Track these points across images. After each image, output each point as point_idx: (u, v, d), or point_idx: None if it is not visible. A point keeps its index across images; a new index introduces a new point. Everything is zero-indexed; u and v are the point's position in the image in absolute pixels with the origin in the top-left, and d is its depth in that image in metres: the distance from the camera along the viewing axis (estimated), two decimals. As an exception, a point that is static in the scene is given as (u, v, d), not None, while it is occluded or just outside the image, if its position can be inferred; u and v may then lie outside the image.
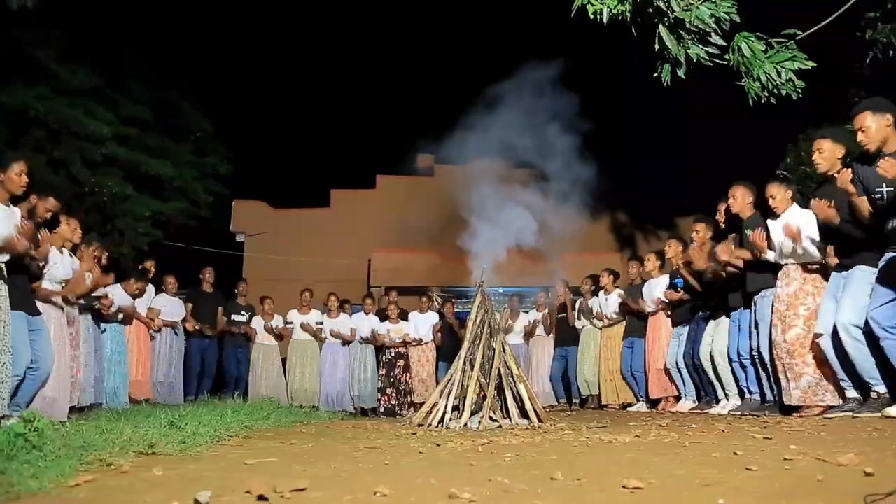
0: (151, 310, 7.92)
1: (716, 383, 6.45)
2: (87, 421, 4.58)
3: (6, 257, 4.27)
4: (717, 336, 6.34)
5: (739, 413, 5.75)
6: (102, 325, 6.66)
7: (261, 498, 2.02)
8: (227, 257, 13.52)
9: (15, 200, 4.57)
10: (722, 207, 6.44)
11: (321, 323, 9.31)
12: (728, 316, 6.19)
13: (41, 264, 4.93)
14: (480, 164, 15.36)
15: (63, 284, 5.40)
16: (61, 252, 5.45)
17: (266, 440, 4.32)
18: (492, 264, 7.26)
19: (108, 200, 11.45)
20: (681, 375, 7.11)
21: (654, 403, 7.74)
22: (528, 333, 9.72)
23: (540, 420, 6.04)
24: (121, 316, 6.98)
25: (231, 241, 14.38)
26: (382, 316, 9.57)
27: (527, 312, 10.16)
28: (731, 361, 6.08)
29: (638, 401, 8.05)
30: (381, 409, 9.03)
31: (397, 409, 9.06)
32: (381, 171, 15.31)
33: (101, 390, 6.39)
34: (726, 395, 6.34)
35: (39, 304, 4.86)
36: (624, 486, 2.11)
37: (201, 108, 14.27)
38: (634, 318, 8.11)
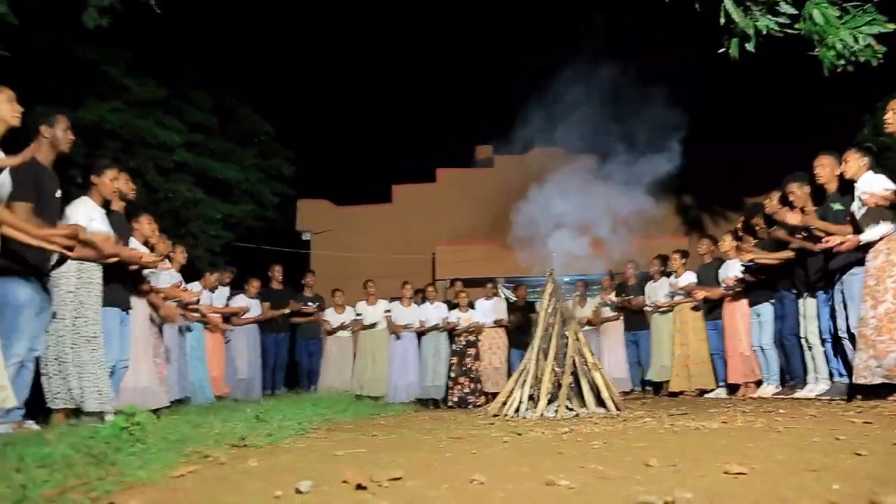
0: (232, 308, 8.17)
1: (809, 364, 6.16)
2: (178, 416, 4.77)
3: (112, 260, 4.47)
4: (808, 315, 6.06)
5: (829, 398, 5.50)
6: (186, 325, 6.92)
7: (359, 487, 2.05)
8: (295, 256, 13.83)
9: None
10: (792, 188, 6.16)
11: (389, 311, 9.41)
12: (814, 295, 5.91)
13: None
14: (541, 153, 15.24)
15: (147, 282, 5.64)
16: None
17: (347, 432, 4.39)
18: (559, 252, 7.19)
19: (181, 205, 11.89)
20: (765, 357, 6.87)
21: (731, 390, 7.51)
22: (593, 320, 9.57)
23: (617, 408, 5.94)
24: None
25: (297, 239, 14.69)
26: (450, 306, 9.62)
27: (593, 298, 10.02)
28: (823, 342, 5.80)
29: (717, 386, 7.81)
30: (455, 399, 9.07)
31: (469, 397, 9.09)
32: (440, 164, 15.34)
33: (186, 386, 6.64)
34: (816, 377, 6.07)
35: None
36: (726, 472, 2.05)
37: (262, 113, 14.65)
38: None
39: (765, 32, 5.25)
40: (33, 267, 3.89)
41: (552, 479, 2.01)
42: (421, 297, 9.66)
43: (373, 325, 9.31)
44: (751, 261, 6.49)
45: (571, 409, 6.01)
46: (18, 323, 3.76)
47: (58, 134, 4.12)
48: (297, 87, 20.01)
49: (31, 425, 3.94)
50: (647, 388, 9.20)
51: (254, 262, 10.74)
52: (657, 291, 8.84)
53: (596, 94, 7.10)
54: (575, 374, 6.30)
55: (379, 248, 13.95)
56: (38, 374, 4.21)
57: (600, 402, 6.08)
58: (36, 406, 4.25)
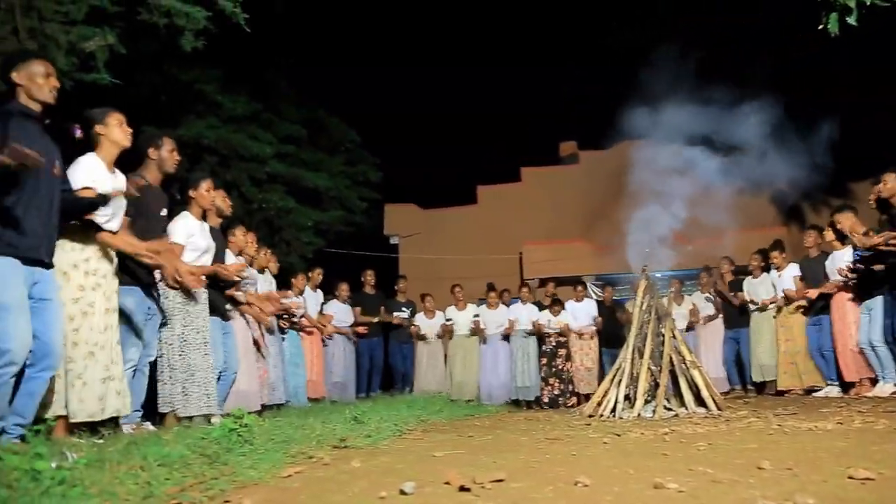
0: (324, 315, 8.41)
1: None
2: (280, 418, 4.95)
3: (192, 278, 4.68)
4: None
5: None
6: (283, 330, 7.18)
7: (462, 489, 2.05)
8: (384, 260, 14.07)
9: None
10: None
11: (477, 316, 9.43)
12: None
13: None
14: (628, 146, 14.88)
15: (244, 291, 5.89)
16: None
17: (443, 433, 4.43)
18: (651, 248, 6.99)
19: (275, 214, 12.37)
20: (876, 355, 6.43)
21: (844, 387, 7.07)
22: (692, 317, 9.24)
23: (719, 408, 5.72)
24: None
25: (386, 244, 14.94)
26: (540, 307, 9.54)
27: (689, 295, 9.68)
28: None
29: (826, 384, 7.37)
30: (545, 400, 8.99)
31: (560, 398, 8.98)
32: (524, 163, 15.24)
33: (286, 390, 6.88)
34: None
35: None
36: (850, 477, 1.93)
37: (347, 122, 15.02)
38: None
39: (868, 3, 4.93)
40: (143, 280, 4.13)
41: (660, 481, 1.96)
42: (507, 296, 9.63)
43: (465, 333, 9.38)
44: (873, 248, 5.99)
45: (670, 409, 5.84)
46: (128, 330, 4.00)
47: (164, 155, 4.36)
48: (381, 95, 20.36)
49: (149, 426, 4.18)
50: (750, 387, 8.80)
51: (344, 268, 11.01)
52: (758, 288, 8.44)
53: (684, 83, 6.87)
54: (672, 372, 6.11)
55: (466, 250, 13.99)
56: (153, 379, 4.47)
57: (700, 401, 5.87)
58: (151, 408, 4.52)
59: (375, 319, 9.28)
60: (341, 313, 8.79)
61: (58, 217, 3.29)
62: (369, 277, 9.62)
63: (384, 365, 9.71)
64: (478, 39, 22.07)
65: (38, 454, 2.21)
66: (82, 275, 3.58)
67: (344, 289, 8.99)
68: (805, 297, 7.52)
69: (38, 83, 3.16)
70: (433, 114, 20.58)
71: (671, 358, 6.13)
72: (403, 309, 9.60)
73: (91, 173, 3.61)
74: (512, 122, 20.15)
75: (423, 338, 9.47)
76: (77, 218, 3.53)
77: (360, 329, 8.98)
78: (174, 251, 4.36)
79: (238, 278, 5.30)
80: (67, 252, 3.54)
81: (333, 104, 15.00)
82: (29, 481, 2.06)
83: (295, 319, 7.46)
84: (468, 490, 2.03)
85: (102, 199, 3.44)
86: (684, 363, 6.15)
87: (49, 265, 3.22)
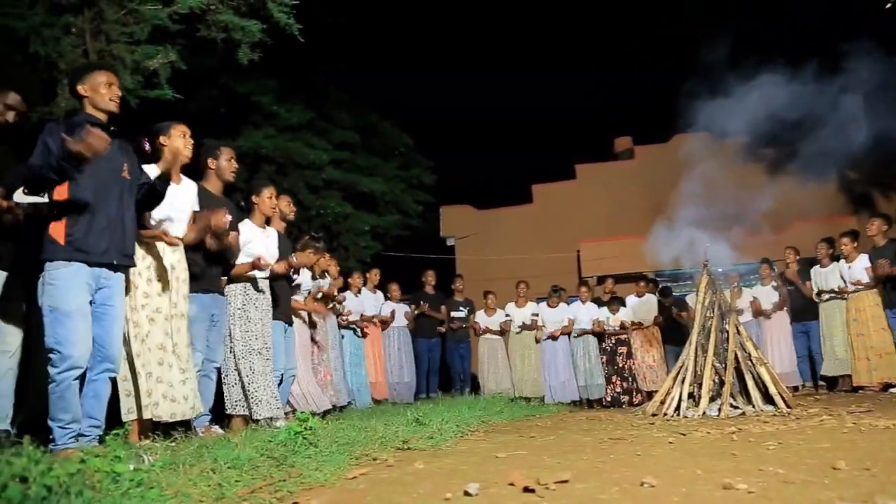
0: (382, 317, 8.51)
1: None
2: (343, 420, 5.03)
3: (266, 273, 4.80)
4: None
5: None
6: (341, 332, 7.30)
7: (526, 490, 2.05)
8: (441, 262, 14.14)
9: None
10: None
11: (536, 315, 9.36)
12: None
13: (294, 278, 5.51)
14: (685, 139, 14.55)
15: (305, 296, 6.01)
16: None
17: (505, 434, 4.42)
18: (712, 242, 6.81)
19: (332, 220, 12.61)
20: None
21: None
22: (756, 312, 8.95)
23: (788, 405, 5.54)
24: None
25: (442, 245, 15.01)
26: (600, 304, 9.42)
27: (751, 288, 9.38)
28: None
29: (904, 380, 7.04)
30: (608, 399, 8.86)
31: (622, 397, 8.84)
32: (579, 160, 15.09)
33: (348, 391, 6.99)
34: None
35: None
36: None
37: (401, 126, 15.17)
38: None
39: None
40: (207, 287, 4.25)
41: (729, 482, 1.91)
42: (567, 295, 9.53)
43: (519, 329, 9.31)
44: None
45: (736, 407, 5.68)
46: (196, 337, 4.13)
47: (222, 164, 4.49)
48: (433, 98, 20.50)
49: (217, 429, 4.31)
50: (821, 383, 8.47)
51: (402, 270, 11.12)
52: (827, 278, 8.11)
53: (744, 73, 6.68)
54: (738, 369, 5.95)
55: (522, 249, 13.93)
56: (219, 383, 4.61)
57: (768, 398, 5.70)
58: (219, 411, 4.66)
59: (439, 316, 9.36)
60: (397, 311, 8.87)
61: (133, 218, 3.42)
62: (430, 278, 9.71)
63: (441, 365, 9.75)
64: (527, 41, 21.96)
65: (117, 457, 2.31)
66: (146, 282, 3.72)
67: (395, 289, 9.07)
68: (890, 273, 7.12)
69: (100, 93, 3.30)
70: (486, 115, 20.61)
71: (736, 354, 5.97)
72: (461, 308, 9.63)
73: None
74: (565, 120, 19.99)
75: (484, 333, 9.47)
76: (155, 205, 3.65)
77: (423, 309, 9.07)
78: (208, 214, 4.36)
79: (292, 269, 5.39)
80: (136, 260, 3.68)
81: (385, 109, 15.18)
82: (110, 483, 2.16)
83: (352, 318, 7.56)
84: (532, 491, 2.03)
85: (165, 178, 3.53)
86: (750, 359, 5.97)
87: (118, 268, 3.32)
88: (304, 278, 5.90)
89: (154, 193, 3.52)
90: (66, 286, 3.07)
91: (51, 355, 3.01)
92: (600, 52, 20.07)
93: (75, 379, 3.05)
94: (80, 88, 3.30)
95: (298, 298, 5.73)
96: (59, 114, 5.51)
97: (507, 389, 8.91)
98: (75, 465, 2.17)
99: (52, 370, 3.00)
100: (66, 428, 3.01)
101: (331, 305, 6.84)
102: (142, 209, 3.56)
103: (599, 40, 20.83)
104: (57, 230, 3.09)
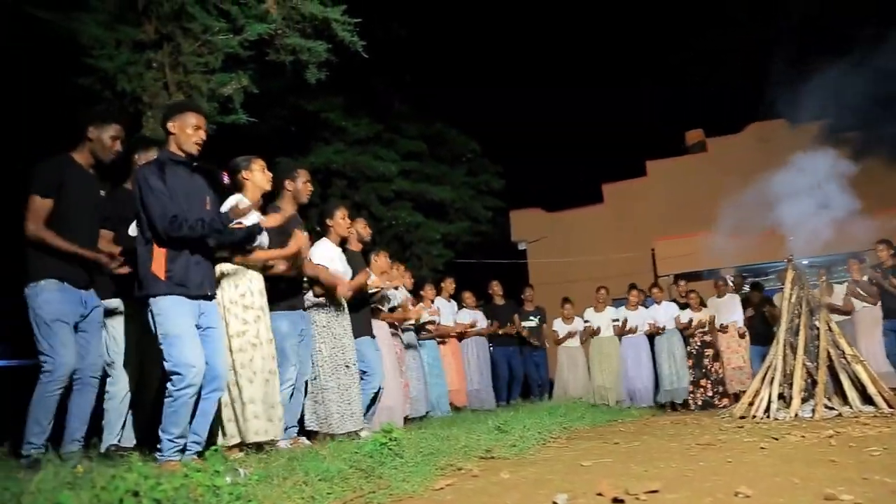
0: (459, 324, 8.55)
1: None
2: (425, 429, 5.09)
3: (350, 293, 4.92)
4: None
5: None
6: (421, 342, 7.37)
7: (616, 501, 2.03)
8: (513, 266, 14.10)
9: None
10: None
11: (616, 320, 9.19)
12: None
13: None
14: (760, 128, 14.05)
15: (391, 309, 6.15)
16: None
17: (588, 440, 4.37)
18: (797, 235, 6.54)
19: (404, 230, 12.78)
20: None
21: None
22: (845, 309, 8.51)
23: (890, 405, 5.25)
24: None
25: (513, 250, 14.97)
26: (680, 305, 9.15)
27: (840, 284, 8.93)
28: None
29: None
30: (698, 403, 8.59)
31: (713, 400, 8.55)
32: (649, 156, 14.77)
33: (426, 401, 7.05)
34: None
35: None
36: None
37: (467, 132, 15.23)
38: None
39: None
40: (292, 305, 4.40)
41: (831, 492, 1.84)
42: (642, 297, 9.32)
43: (596, 332, 9.16)
44: None
45: (832, 409, 5.43)
46: (284, 352, 4.28)
47: (299, 187, 4.64)
48: (498, 103, 20.46)
49: (304, 441, 4.44)
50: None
51: (474, 277, 11.13)
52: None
53: (823, 55, 6.40)
54: (831, 368, 5.69)
55: (595, 250, 13.74)
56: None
57: (867, 399, 5.42)
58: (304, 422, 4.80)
59: (513, 332, 9.30)
60: (473, 318, 8.89)
61: (212, 250, 3.60)
62: (496, 288, 9.63)
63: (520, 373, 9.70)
64: (591, 39, 21.67)
65: (216, 471, 2.42)
66: (241, 309, 3.88)
67: (468, 296, 9.08)
68: None
69: (187, 133, 3.48)
70: (552, 116, 20.45)
71: (828, 352, 5.71)
72: (531, 318, 9.57)
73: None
74: (633, 118, 19.61)
75: (562, 341, 9.37)
76: (237, 247, 3.83)
77: (494, 329, 9.06)
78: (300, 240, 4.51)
79: (379, 289, 5.53)
80: (225, 290, 3.85)
81: (451, 117, 15.28)
82: (211, 496, 2.26)
83: (430, 327, 7.64)
84: (622, 502, 2.00)
85: (257, 229, 3.70)
86: (844, 358, 5.71)
87: (212, 297, 3.53)
88: (393, 292, 6.05)
89: (251, 240, 3.73)
90: (174, 313, 3.27)
91: (172, 377, 3.21)
92: (668, 44, 19.60)
93: (191, 397, 3.23)
94: (170, 126, 3.49)
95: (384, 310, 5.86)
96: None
97: (588, 396, 8.78)
98: (180, 480, 2.29)
99: (171, 388, 3.20)
100: (174, 441, 3.19)
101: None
102: (234, 245, 3.76)
103: (667, 33, 20.36)
104: (158, 267, 3.28)
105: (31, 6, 5.72)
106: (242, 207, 3.50)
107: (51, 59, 6.22)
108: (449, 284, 8.68)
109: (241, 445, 3.77)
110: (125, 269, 3.74)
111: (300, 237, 4.22)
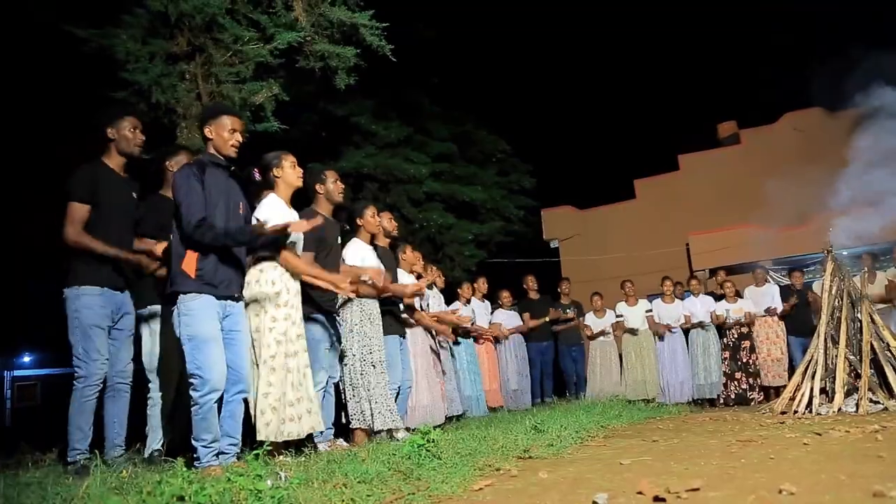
0: (494, 325, 8.55)
1: None
2: (462, 430, 5.09)
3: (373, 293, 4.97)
4: None
5: None
6: (458, 340, 7.38)
7: (657, 500, 2.01)
8: (546, 265, 14.02)
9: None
10: None
11: (650, 311, 9.08)
12: None
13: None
14: (794, 117, 13.76)
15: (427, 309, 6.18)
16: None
17: (626, 438, 4.33)
18: (835, 224, 6.39)
19: (436, 231, 12.81)
20: None
21: None
22: (887, 296, 8.27)
23: (938, 399, 5.11)
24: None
25: (546, 249, 14.88)
26: (715, 297, 9.00)
27: (884, 271, 8.68)
28: None
29: None
30: (732, 397, 8.45)
31: (748, 393, 8.40)
32: (681, 150, 14.56)
33: (463, 401, 7.06)
34: None
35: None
36: None
37: (496, 132, 15.20)
38: None
39: None
40: (324, 308, 4.46)
41: (880, 489, 1.80)
42: (682, 290, 9.18)
43: (633, 331, 9.04)
44: None
45: (877, 403, 5.30)
46: (317, 356, 4.34)
47: (329, 187, 4.69)
48: (526, 101, 20.39)
49: (342, 443, 4.49)
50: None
51: (507, 277, 11.11)
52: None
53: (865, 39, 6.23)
54: (875, 360, 5.55)
55: (629, 246, 13.59)
56: (338, 397, 4.81)
57: (913, 392, 5.28)
58: (340, 424, 4.86)
59: (547, 319, 9.26)
60: (509, 320, 8.88)
61: (244, 252, 3.67)
62: (531, 283, 9.64)
63: (555, 369, 9.66)
64: (617, 34, 21.47)
65: (258, 475, 2.46)
66: (274, 307, 3.94)
67: (506, 296, 9.07)
68: None
69: (223, 137, 3.55)
70: (581, 114, 20.29)
71: (872, 345, 5.57)
72: (567, 311, 9.52)
73: (275, 210, 3.96)
74: (663, 112, 19.37)
75: (595, 337, 9.30)
76: (267, 250, 3.90)
77: (530, 324, 9.03)
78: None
79: (417, 297, 5.58)
80: (263, 287, 3.91)
81: (480, 117, 15.27)
82: (254, 500, 2.31)
83: (467, 326, 7.66)
84: (663, 501, 1.99)
85: (284, 231, 3.75)
86: (888, 350, 5.56)
87: (239, 298, 3.58)
88: (429, 294, 6.10)
89: (268, 244, 3.79)
90: (202, 315, 3.32)
91: (192, 380, 3.26)
92: (696, 33, 19.32)
93: (215, 402, 3.28)
94: (207, 130, 3.56)
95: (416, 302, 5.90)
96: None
97: (621, 392, 8.69)
98: (223, 484, 2.34)
99: (194, 394, 3.24)
100: (208, 447, 3.25)
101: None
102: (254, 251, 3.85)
103: (697, 24, 20.07)
104: (189, 265, 3.33)
105: (70, 24, 5.89)
106: (269, 228, 3.54)
107: (87, 73, 6.38)
108: (482, 284, 8.68)
109: (282, 448, 3.82)
110: (164, 271, 3.80)
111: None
